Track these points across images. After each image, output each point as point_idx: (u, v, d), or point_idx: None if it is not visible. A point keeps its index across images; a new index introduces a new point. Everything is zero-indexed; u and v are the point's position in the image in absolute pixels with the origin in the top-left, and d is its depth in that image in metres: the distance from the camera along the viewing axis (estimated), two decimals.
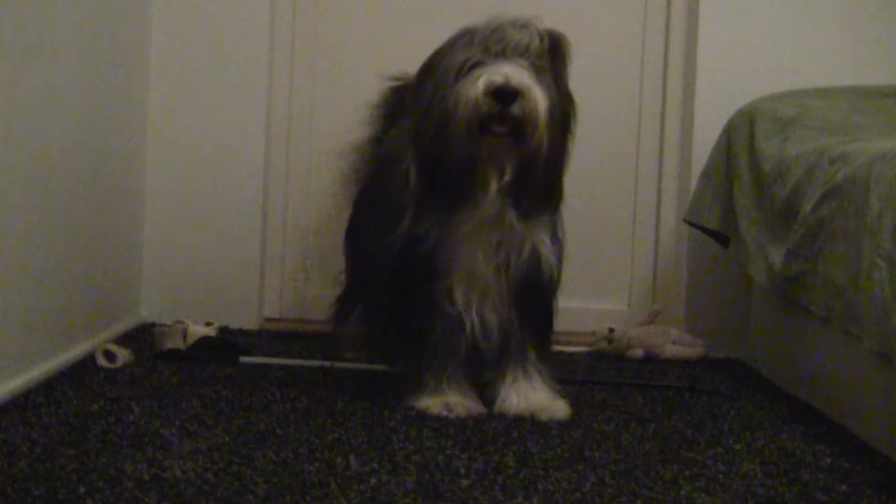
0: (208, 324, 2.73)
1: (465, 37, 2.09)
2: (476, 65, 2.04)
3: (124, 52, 2.83)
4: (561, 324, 2.36)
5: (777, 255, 2.48)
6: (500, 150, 2.06)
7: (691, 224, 2.95)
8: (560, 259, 2.23)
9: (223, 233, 3.12)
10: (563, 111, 2.12)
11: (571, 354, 2.99)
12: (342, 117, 3.22)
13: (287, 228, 3.25)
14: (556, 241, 2.22)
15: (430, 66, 2.12)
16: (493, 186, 2.07)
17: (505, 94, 2.00)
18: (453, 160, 2.06)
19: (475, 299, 2.17)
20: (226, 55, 3.09)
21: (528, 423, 2.12)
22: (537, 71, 2.06)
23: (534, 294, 2.20)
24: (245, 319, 3.11)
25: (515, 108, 2.02)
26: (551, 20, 2.14)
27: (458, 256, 2.15)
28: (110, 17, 2.68)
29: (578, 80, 2.20)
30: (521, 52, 2.05)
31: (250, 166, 3.12)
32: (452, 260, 2.15)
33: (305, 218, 3.25)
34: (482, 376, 2.27)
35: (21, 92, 2.12)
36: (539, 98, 2.02)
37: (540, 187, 2.10)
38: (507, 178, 2.06)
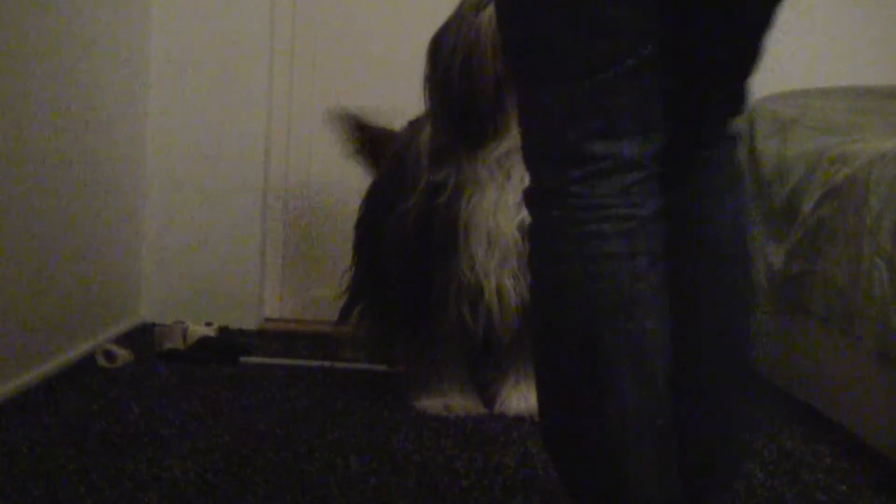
0: (208, 324, 2.73)
1: None
2: None
3: (124, 52, 2.83)
4: None
5: (777, 255, 2.48)
6: None
7: None
8: None
9: (223, 233, 3.12)
10: None
11: None
12: None
13: (287, 229, 3.25)
14: None
15: (445, 29, 2.12)
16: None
17: None
18: (480, 86, 2.03)
19: (494, 263, 2.10)
20: (226, 55, 3.09)
21: (528, 424, 2.12)
22: None
23: None
24: (245, 319, 3.11)
25: None
26: None
27: (477, 212, 2.09)
28: (110, 17, 2.68)
29: None
30: None
31: (250, 166, 3.12)
32: (471, 215, 2.09)
33: (305, 218, 3.25)
34: (484, 377, 2.27)
35: (21, 91, 2.12)
36: None
37: None
38: None
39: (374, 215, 2.41)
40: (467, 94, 2.05)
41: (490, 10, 2.03)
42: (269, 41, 3.14)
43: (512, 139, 2.04)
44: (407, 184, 2.19)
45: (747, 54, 1.33)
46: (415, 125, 2.39)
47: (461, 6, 2.12)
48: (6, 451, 1.76)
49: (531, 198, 1.24)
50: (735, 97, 1.33)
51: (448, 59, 2.09)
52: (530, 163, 1.23)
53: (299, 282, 3.26)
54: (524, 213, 2.04)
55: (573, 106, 1.16)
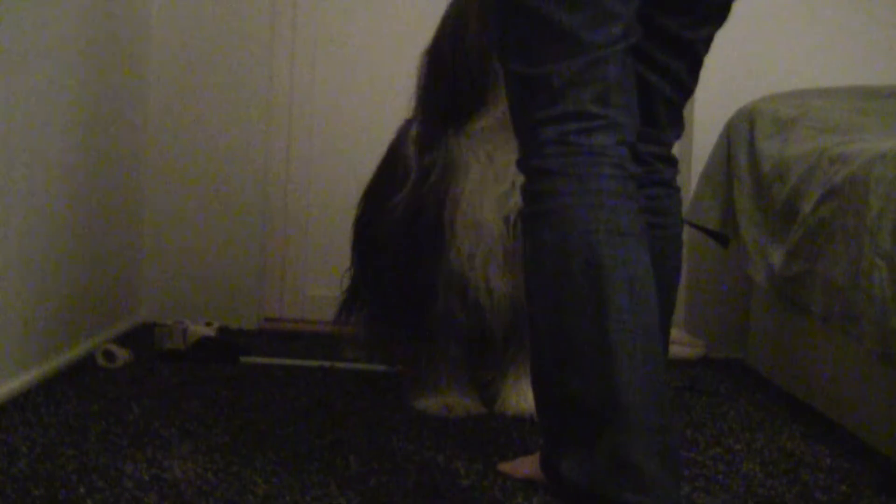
0: (208, 324, 2.73)
1: None
2: None
3: (124, 52, 2.83)
4: None
5: (777, 256, 2.48)
6: None
7: (691, 224, 2.95)
8: None
9: (223, 233, 3.12)
10: None
11: None
12: (342, 117, 3.23)
13: (287, 228, 3.25)
14: None
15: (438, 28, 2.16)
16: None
17: None
18: (468, 56, 2.05)
19: (481, 254, 2.09)
20: (226, 55, 3.09)
21: (528, 424, 2.12)
22: None
23: None
24: (245, 319, 3.11)
25: None
26: None
27: (464, 203, 2.09)
28: (110, 17, 2.68)
29: None
30: None
31: (250, 166, 3.12)
32: (458, 205, 2.09)
33: (305, 217, 3.25)
34: (483, 376, 2.27)
35: (21, 92, 2.12)
36: None
37: None
38: None
39: (371, 213, 2.42)
40: (456, 64, 2.07)
41: None
42: (269, 41, 3.14)
43: (496, 115, 2.06)
44: (398, 178, 2.20)
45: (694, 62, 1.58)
46: (410, 123, 2.40)
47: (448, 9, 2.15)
48: (6, 451, 1.76)
49: (526, 153, 1.40)
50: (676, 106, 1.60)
51: (439, 33, 2.14)
52: (525, 127, 1.40)
53: (299, 282, 3.26)
54: (510, 205, 2.07)
55: (573, 78, 1.35)
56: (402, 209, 2.14)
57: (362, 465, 1.79)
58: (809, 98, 2.80)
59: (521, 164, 1.42)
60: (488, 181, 2.10)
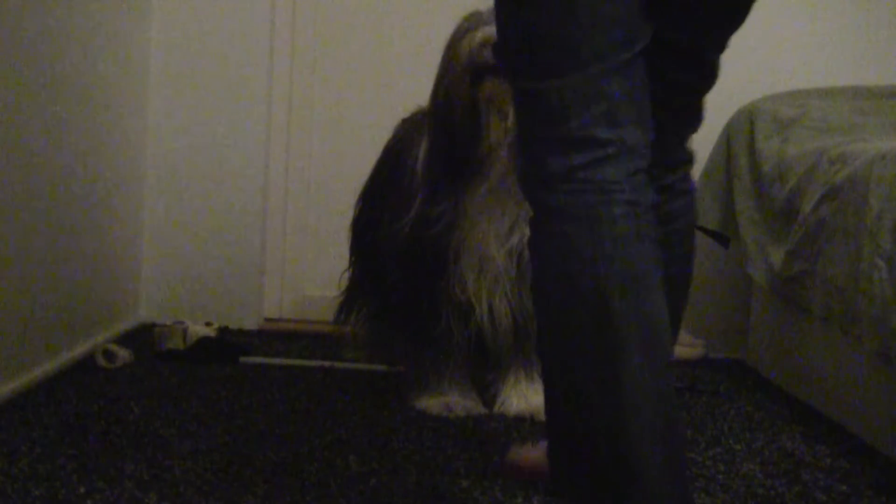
0: (208, 324, 2.73)
1: (474, 16, 2.11)
2: (479, 25, 2.07)
3: (124, 52, 2.83)
4: None
5: (777, 256, 2.48)
6: (500, 91, 2.05)
7: None
8: None
9: (223, 233, 3.12)
10: None
11: None
12: (342, 117, 3.23)
13: (287, 228, 3.25)
14: None
15: (450, 40, 2.15)
16: (500, 133, 2.07)
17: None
18: (456, 106, 2.07)
19: (486, 286, 2.15)
20: (226, 55, 3.09)
21: (528, 424, 2.12)
22: None
23: None
24: (245, 319, 3.11)
25: None
26: None
27: (469, 239, 2.13)
28: (110, 17, 2.68)
29: None
30: None
31: (250, 166, 3.12)
32: (463, 241, 2.13)
33: (305, 218, 3.25)
34: (484, 377, 2.27)
35: (20, 92, 2.12)
36: None
37: None
38: (510, 120, 2.05)
39: (370, 213, 2.42)
40: (445, 114, 2.10)
41: (470, 37, 2.06)
42: (269, 41, 3.14)
43: (496, 174, 2.09)
44: (403, 190, 2.20)
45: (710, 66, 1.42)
46: (408, 122, 2.40)
47: (454, 32, 2.14)
48: (6, 451, 1.76)
49: (531, 185, 1.27)
50: (696, 108, 1.47)
51: (434, 87, 2.15)
52: (531, 153, 1.26)
53: (299, 282, 3.26)
54: (514, 241, 2.12)
55: (576, 94, 1.21)
56: (406, 234, 2.17)
57: (362, 465, 1.79)
58: (809, 98, 2.80)
59: (527, 193, 1.28)
60: (494, 219, 2.13)
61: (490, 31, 2.03)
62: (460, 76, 2.07)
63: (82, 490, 1.59)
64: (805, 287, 2.33)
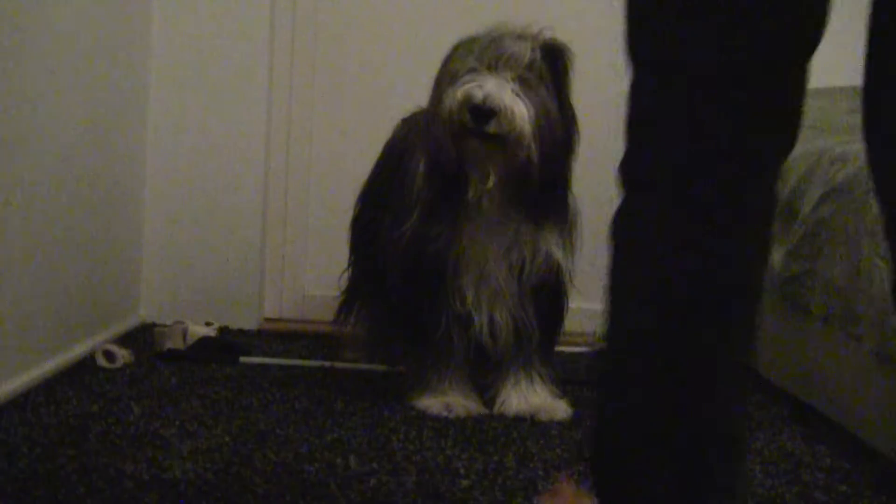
0: (208, 324, 2.73)
1: (466, 45, 2.10)
2: (469, 71, 2.05)
3: (124, 52, 2.83)
4: None
5: (777, 256, 2.48)
6: (484, 154, 2.06)
7: None
8: (572, 266, 2.23)
9: (223, 233, 3.12)
10: (564, 124, 2.11)
11: (571, 354, 2.98)
12: (342, 116, 3.23)
13: (287, 228, 3.25)
14: (570, 249, 2.22)
15: (439, 72, 2.16)
16: (482, 189, 2.08)
17: (480, 113, 2.01)
18: (441, 159, 2.09)
19: (486, 299, 2.17)
20: (226, 55, 3.09)
21: (528, 424, 2.12)
22: (529, 85, 2.05)
23: (547, 299, 2.21)
24: (245, 319, 3.11)
25: (492, 126, 2.02)
26: (556, 23, 2.14)
27: (469, 255, 2.15)
28: (110, 17, 2.68)
29: (583, 83, 2.21)
30: (515, 65, 2.05)
31: (250, 166, 3.12)
32: (463, 258, 2.15)
33: (305, 217, 3.25)
34: (484, 378, 2.27)
35: (20, 92, 2.12)
36: (521, 115, 2.02)
37: (540, 199, 2.11)
38: (490, 183, 2.07)
39: (370, 213, 2.43)
40: (434, 158, 2.12)
41: (451, 96, 2.04)
42: (269, 41, 3.13)
43: (487, 211, 2.12)
44: (403, 192, 2.21)
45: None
46: (408, 122, 2.41)
47: (444, 63, 2.14)
48: (6, 451, 1.76)
49: (637, 185, 1.26)
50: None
51: (424, 120, 2.19)
52: (650, 161, 1.24)
53: (299, 282, 3.26)
54: (514, 257, 2.14)
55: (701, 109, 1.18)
56: (406, 243, 2.18)
57: (362, 465, 1.79)
58: (809, 98, 2.79)
59: (628, 182, 1.29)
60: (493, 234, 2.15)
61: (470, 88, 2.02)
62: (443, 135, 2.07)
63: (82, 490, 1.59)
64: (805, 287, 2.33)
